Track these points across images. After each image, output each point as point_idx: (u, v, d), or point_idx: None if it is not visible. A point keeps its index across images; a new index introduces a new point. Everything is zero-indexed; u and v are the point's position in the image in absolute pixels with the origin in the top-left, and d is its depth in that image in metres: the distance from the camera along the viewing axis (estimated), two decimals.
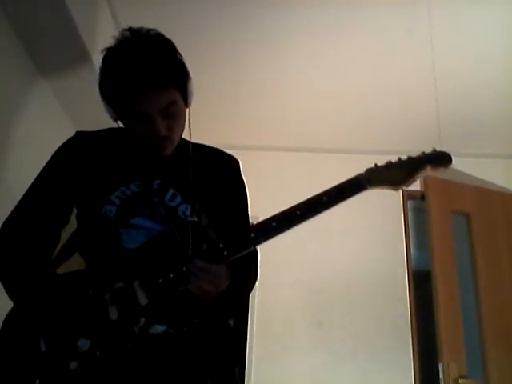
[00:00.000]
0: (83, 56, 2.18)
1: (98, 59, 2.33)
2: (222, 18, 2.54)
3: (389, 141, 3.61)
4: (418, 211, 3.73)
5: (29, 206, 1.24)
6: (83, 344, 1.02)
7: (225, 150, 1.39)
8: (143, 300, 1.04)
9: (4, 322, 1.12)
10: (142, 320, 1.05)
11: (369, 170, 1.17)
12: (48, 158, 1.25)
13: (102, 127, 1.34)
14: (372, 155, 3.52)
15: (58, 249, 1.27)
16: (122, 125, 1.22)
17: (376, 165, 1.18)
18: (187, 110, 1.23)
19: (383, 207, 3.35)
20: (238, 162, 1.38)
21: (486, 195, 3.29)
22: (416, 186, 3.53)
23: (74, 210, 1.29)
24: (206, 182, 1.28)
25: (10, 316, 1.13)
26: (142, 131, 1.17)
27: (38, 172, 1.28)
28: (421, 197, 3.51)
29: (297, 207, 1.11)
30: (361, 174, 1.16)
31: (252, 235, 1.09)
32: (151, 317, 1.06)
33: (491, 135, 3.48)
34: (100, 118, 2.64)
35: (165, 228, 1.18)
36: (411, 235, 3.54)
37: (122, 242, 1.16)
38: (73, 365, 1.01)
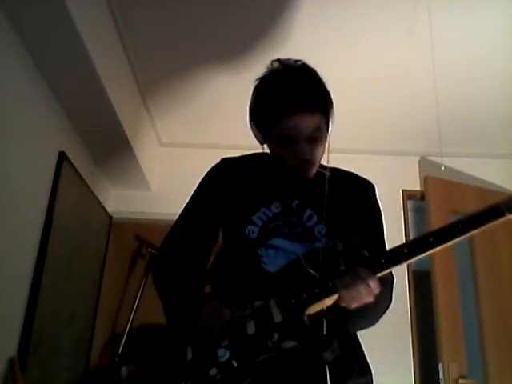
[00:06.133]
0: (82, 55, 2.18)
1: (97, 58, 2.32)
2: (217, 18, 2.55)
3: (389, 141, 3.62)
4: (417, 211, 3.73)
5: (182, 229, 1.38)
6: (223, 353, 1.12)
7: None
8: (277, 317, 1.12)
9: (158, 335, 1.29)
10: (276, 335, 1.12)
11: (510, 198, 1.11)
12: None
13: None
14: (372, 155, 3.57)
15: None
16: (267, 149, 1.30)
17: None
18: (328, 135, 1.28)
19: (383, 207, 3.31)
20: (373, 187, 1.42)
21: (486, 195, 3.28)
22: (416, 185, 3.58)
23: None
24: (342, 205, 1.34)
25: (164, 328, 1.27)
26: (287, 154, 1.24)
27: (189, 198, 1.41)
28: (421, 197, 3.51)
29: (430, 234, 1.15)
30: (500, 203, 1.11)
31: (383, 260, 1.13)
32: (284, 333, 1.12)
33: (491, 135, 3.48)
34: (98, 117, 2.64)
35: (301, 249, 1.24)
36: (411, 235, 3.53)
37: (262, 263, 1.25)
38: (212, 371, 1.12)
